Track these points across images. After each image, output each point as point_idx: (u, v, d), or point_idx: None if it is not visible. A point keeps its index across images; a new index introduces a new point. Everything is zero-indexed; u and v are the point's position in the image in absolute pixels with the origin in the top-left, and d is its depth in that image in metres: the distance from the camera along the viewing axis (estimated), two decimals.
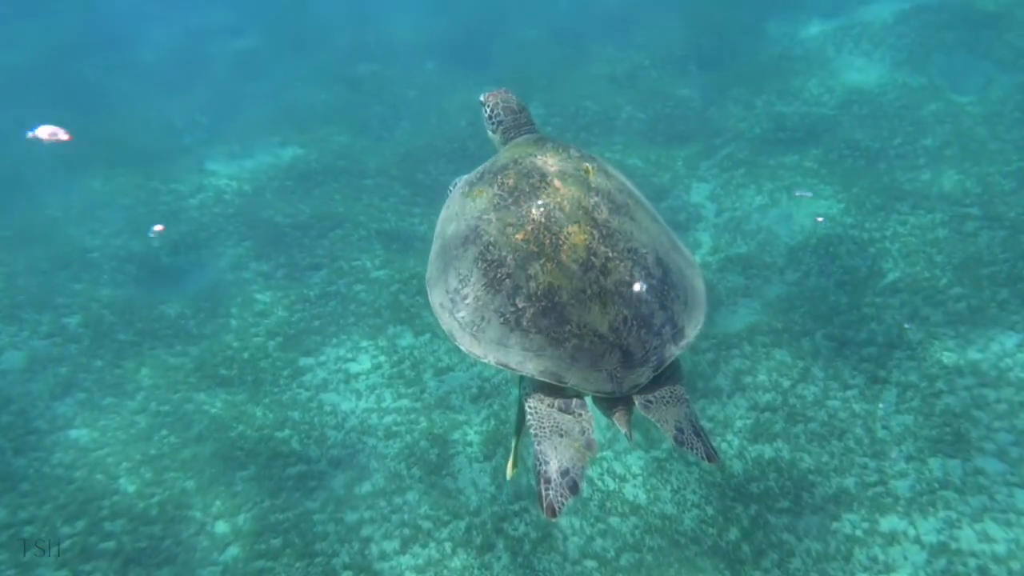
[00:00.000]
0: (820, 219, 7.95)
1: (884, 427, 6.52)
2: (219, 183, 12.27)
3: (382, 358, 8.50)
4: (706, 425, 7.09)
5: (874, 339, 7.43)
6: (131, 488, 6.91)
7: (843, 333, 7.61)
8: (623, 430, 2.62)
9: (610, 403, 2.62)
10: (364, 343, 8.74)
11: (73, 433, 7.49)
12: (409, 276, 9.62)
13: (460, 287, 2.69)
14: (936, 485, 5.94)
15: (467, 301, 2.65)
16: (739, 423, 7.03)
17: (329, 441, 7.52)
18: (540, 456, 2.45)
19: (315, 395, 8.11)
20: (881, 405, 6.69)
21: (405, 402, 7.92)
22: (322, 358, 8.61)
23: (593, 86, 13.89)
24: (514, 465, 3.17)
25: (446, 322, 2.75)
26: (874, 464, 6.26)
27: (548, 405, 2.58)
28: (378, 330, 8.87)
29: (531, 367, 2.52)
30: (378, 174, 12.14)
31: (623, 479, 6.72)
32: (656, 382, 2.62)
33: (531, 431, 2.55)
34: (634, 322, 2.54)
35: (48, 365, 8.23)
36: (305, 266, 10.15)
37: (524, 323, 2.53)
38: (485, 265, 2.64)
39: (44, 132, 9.77)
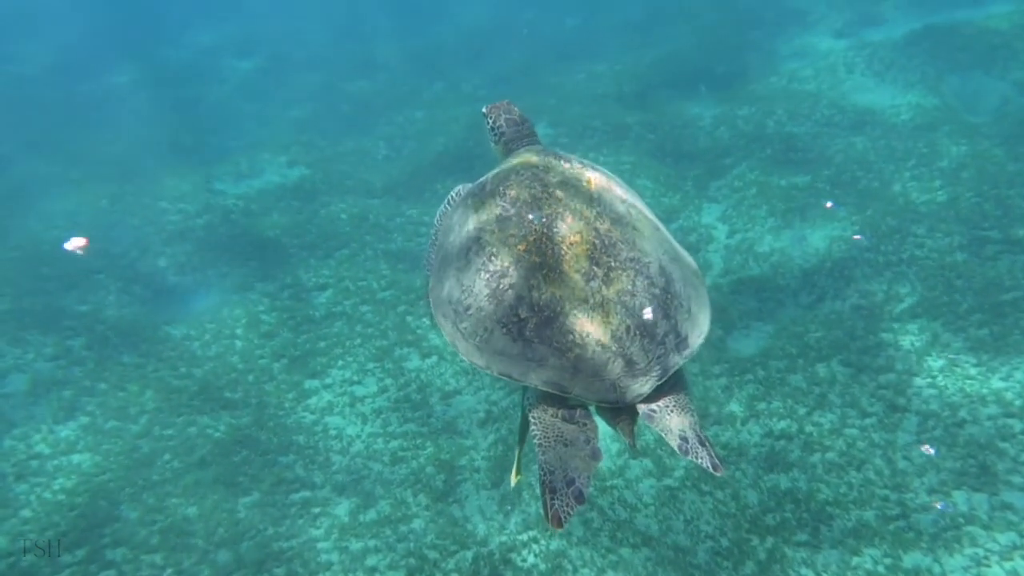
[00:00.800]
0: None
1: (905, 457, 6.33)
2: (226, 203, 12.24)
3: (388, 381, 8.37)
4: (719, 452, 6.90)
5: (892, 366, 7.25)
6: (133, 515, 6.77)
7: (860, 359, 7.43)
8: (627, 440, 2.60)
9: (614, 413, 2.61)
10: (370, 365, 8.61)
11: (76, 458, 7.37)
12: (416, 297, 9.51)
13: (463, 298, 2.70)
14: (961, 520, 5.74)
15: (470, 312, 2.66)
16: (754, 451, 6.85)
17: (334, 466, 7.38)
18: (545, 467, 2.43)
19: (320, 418, 7.98)
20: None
21: (411, 426, 7.78)
22: (328, 380, 8.49)
23: (601, 105, 13.85)
24: (518, 472, 3.17)
25: (449, 332, 2.76)
26: (895, 496, 6.06)
27: (552, 415, 2.56)
28: (384, 352, 8.75)
29: (534, 378, 2.51)
30: (385, 193, 12.09)
31: (635, 508, 6.54)
32: (660, 391, 2.59)
33: (535, 442, 2.52)
34: (637, 331, 2.53)
35: (52, 388, 8.13)
36: (311, 286, 10.06)
37: (527, 333, 2.52)
38: (488, 276, 2.64)
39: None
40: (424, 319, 9.16)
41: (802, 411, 7.09)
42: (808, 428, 6.89)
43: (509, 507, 6.72)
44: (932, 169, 9.77)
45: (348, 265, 10.37)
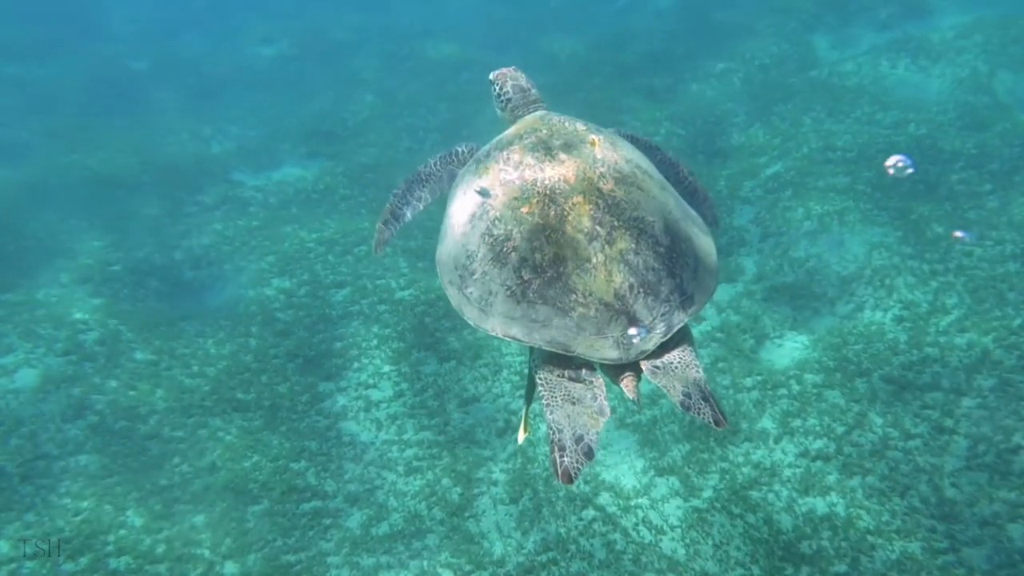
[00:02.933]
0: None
1: (953, 484, 5.90)
2: (244, 194, 12.01)
3: (404, 385, 8.09)
4: (750, 472, 6.53)
5: (939, 383, 6.80)
6: (139, 521, 6.57)
7: (903, 375, 6.99)
8: (630, 395, 2.59)
9: (618, 370, 2.61)
10: (386, 368, 8.33)
11: (83, 459, 7.18)
12: (435, 297, 9.20)
13: (468, 263, 2.72)
14: (1017, 557, 5.31)
15: (475, 276, 2.68)
16: (787, 472, 6.46)
17: (347, 475, 7.12)
18: (554, 425, 2.45)
19: (334, 423, 7.73)
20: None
21: (427, 434, 7.49)
22: (343, 383, 8.22)
23: (631, 99, 13.38)
24: (525, 430, 3.21)
25: (455, 297, 2.77)
26: (943, 527, 5.65)
27: (558, 375, 2.59)
28: (401, 355, 8.46)
29: (538, 338, 2.53)
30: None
31: (660, 531, 6.20)
32: (665, 348, 2.60)
33: (543, 402, 2.54)
34: (640, 289, 2.54)
35: (62, 385, 7.95)
36: (328, 284, 9.79)
37: (531, 295, 2.55)
38: (492, 240, 2.66)
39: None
40: (443, 321, 8.85)
41: (840, 430, 6.68)
42: (847, 449, 6.48)
43: (528, 524, 6.41)
44: (982, 172, 9.22)
45: (367, 262, 10.09)
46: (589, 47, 16.04)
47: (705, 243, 2.85)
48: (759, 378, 7.46)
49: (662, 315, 2.56)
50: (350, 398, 8.03)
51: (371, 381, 8.19)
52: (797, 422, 6.88)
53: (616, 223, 2.59)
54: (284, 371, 8.38)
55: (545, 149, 2.79)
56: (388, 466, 7.18)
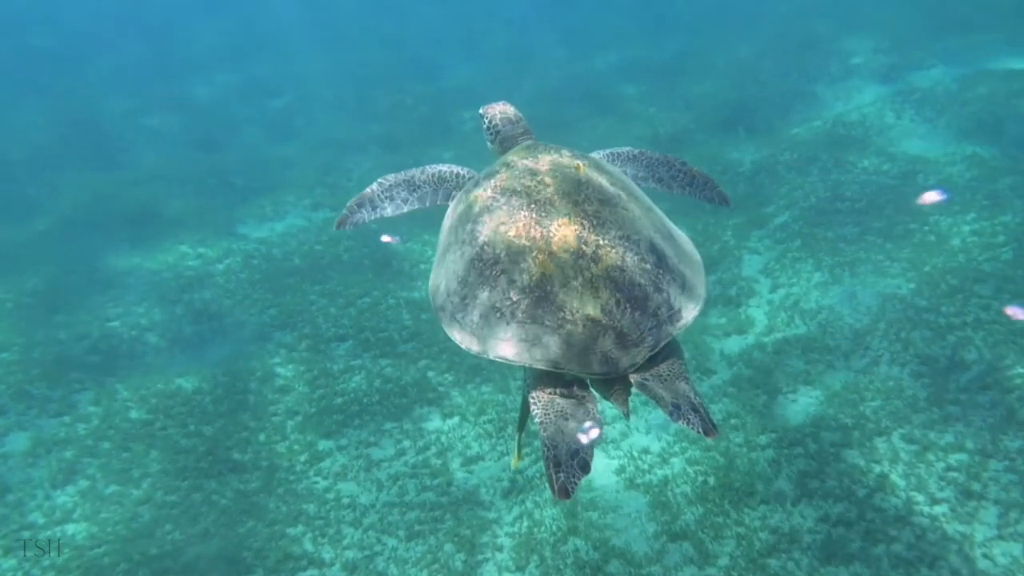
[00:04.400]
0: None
1: (986, 556, 5.57)
2: (248, 247, 11.94)
3: (406, 443, 7.83)
4: (767, 538, 6.21)
5: (963, 443, 6.52)
6: None
7: (924, 435, 6.71)
8: (620, 409, 2.63)
9: (607, 384, 2.65)
10: (388, 425, 8.09)
11: (71, 528, 6.91)
12: (439, 351, 9.00)
13: (459, 288, 2.78)
14: None
15: (465, 300, 2.73)
16: (808, 537, 6.14)
17: (345, 540, 6.81)
18: (548, 443, 2.46)
19: (333, 484, 7.45)
20: None
21: (430, 495, 7.20)
22: (343, 441, 7.97)
23: (636, 148, 13.39)
24: (519, 456, 3.24)
25: (446, 323, 2.82)
26: None
27: (550, 393, 2.61)
28: (403, 411, 8.22)
29: (528, 357, 2.56)
30: (410, 239, 11.69)
31: None
32: (654, 361, 2.63)
33: (536, 421, 2.55)
34: (627, 305, 2.58)
35: (53, 448, 7.73)
36: (330, 337, 9.62)
37: (520, 315, 2.59)
38: (481, 265, 2.72)
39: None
40: (447, 375, 8.64)
41: (861, 493, 6.38)
42: (869, 514, 6.17)
43: None
44: (995, 223, 9.08)
45: (369, 315, 9.93)
46: (591, 95, 16.16)
47: (692, 261, 2.92)
48: (773, 435, 7.19)
49: (649, 329, 2.60)
50: (350, 456, 7.77)
51: (372, 439, 7.94)
52: (815, 483, 6.57)
53: (602, 242, 2.65)
54: (283, 429, 8.14)
55: (531, 174, 2.88)
56: (388, 531, 6.87)
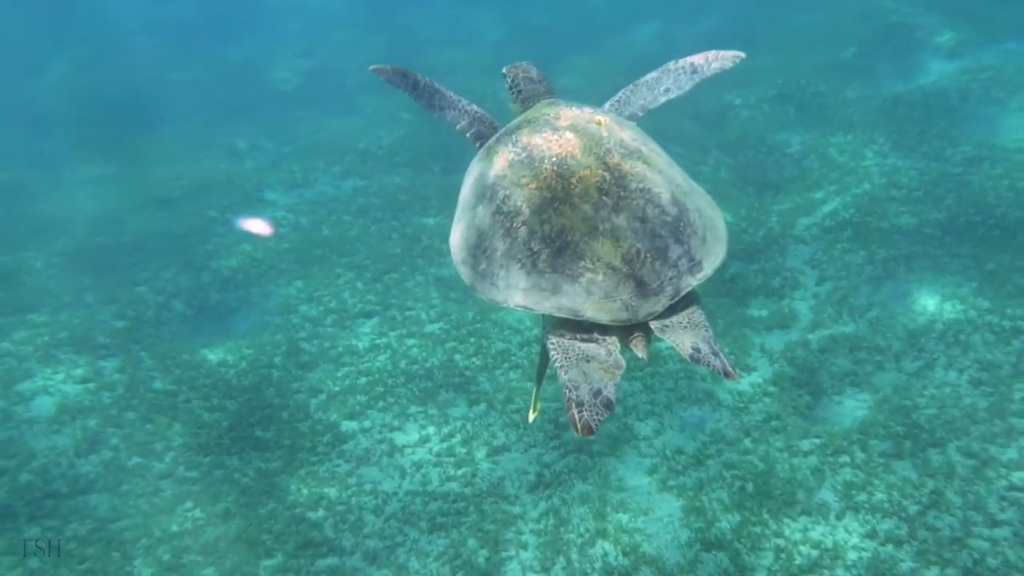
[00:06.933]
0: None
1: None
2: (276, 214, 11.71)
3: (431, 429, 7.61)
4: (809, 553, 5.89)
5: None
6: (146, 572, 6.18)
7: (984, 449, 6.29)
8: (640, 354, 2.65)
9: (627, 331, 2.65)
10: (412, 409, 7.87)
11: (93, 499, 6.83)
12: (467, 333, 8.73)
13: (480, 241, 2.80)
14: None
15: (486, 254, 2.76)
16: (852, 555, 5.80)
17: (366, 529, 6.64)
18: (569, 383, 2.45)
19: (355, 468, 7.27)
20: None
21: (454, 486, 6.98)
22: (366, 423, 7.77)
23: (676, 125, 12.78)
24: (535, 409, 3.23)
25: (467, 276, 2.84)
26: None
27: (570, 339, 2.62)
28: (429, 395, 7.99)
29: (548, 305, 2.60)
30: (440, 213, 11.36)
31: None
32: (674, 310, 2.66)
33: (556, 366, 2.55)
34: (648, 255, 2.62)
35: (78, 416, 7.64)
36: (356, 313, 9.39)
37: (540, 265, 2.62)
38: (502, 218, 2.75)
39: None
40: (474, 359, 8.37)
41: (913, 509, 6.01)
42: (922, 533, 5.80)
43: None
44: None
45: (397, 291, 9.67)
46: (631, 66, 15.49)
47: (714, 215, 2.93)
48: (817, 441, 6.82)
49: (670, 279, 2.62)
50: (374, 440, 7.58)
51: (396, 423, 7.73)
52: (862, 496, 6.21)
53: (623, 193, 2.69)
54: (306, 408, 7.97)
55: (552, 129, 2.89)
56: (411, 521, 6.68)
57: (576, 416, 2.37)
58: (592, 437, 2.34)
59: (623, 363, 2.54)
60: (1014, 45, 11.86)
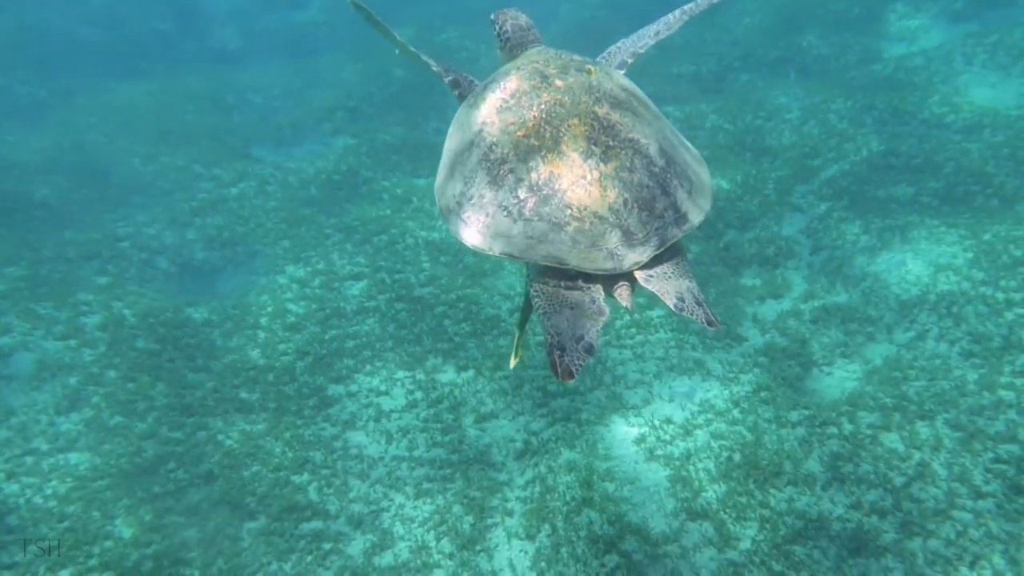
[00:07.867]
0: None
1: None
2: (263, 171, 11.45)
3: (418, 394, 7.53)
4: (794, 523, 5.89)
5: (1015, 434, 6.07)
6: (127, 532, 6.12)
7: (972, 422, 6.26)
8: (624, 303, 2.64)
9: (612, 280, 2.65)
10: (400, 374, 7.78)
11: (73, 457, 6.75)
12: (456, 298, 8.60)
13: (466, 188, 2.76)
14: None
15: (472, 200, 2.72)
16: (836, 526, 5.80)
17: (351, 493, 6.61)
18: (551, 330, 2.47)
19: (341, 432, 7.21)
20: None
21: (440, 452, 6.94)
22: (352, 387, 7.69)
23: (674, 86, 12.53)
24: (516, 355, 3.23)
25: (452, 223, 2.80)
26: None
27: (554, 286, 2.62)
28: (417, 360, 7.90)
29: (533, 254, 2.57)
30: (432, 173, 11.08)
31: None
32: (659, 260, 2.66)
33: (539, 312, 2.55)
34: (635, 205, 2.60)
35: (58, 373, 7.51)
36: (344, 275, 9.24)
37: (526, 213, 2.59)
38: (488, 164, 2.71)
39: None
40: (463, 324, 8.26)
41: (899, 481, 6.00)
42: (907, 504, 5.80)
43: (544, 565, 5.84)
44: None
45: (386, 254, 9.50)
46: (628, 21, 15.09)
47: (700, 169, 2.94)
48: (806, 412, 6.78)
49: (656, 229, 2.62)
50: (360, 404, 7.50)
51: (383, 387, 7.65)
52: (848, 467, 6.19)
53: (611, 143, 2.65)
54: (292, 370, 7.87)
55: (541, 76, 2.83)
56: (396, 486, 6.65)
57: (557, 360, 2.38)
58: (572, 382, 2.34)
59: (607, 311, 2.54)
60: (1022, 9, 11.55)
